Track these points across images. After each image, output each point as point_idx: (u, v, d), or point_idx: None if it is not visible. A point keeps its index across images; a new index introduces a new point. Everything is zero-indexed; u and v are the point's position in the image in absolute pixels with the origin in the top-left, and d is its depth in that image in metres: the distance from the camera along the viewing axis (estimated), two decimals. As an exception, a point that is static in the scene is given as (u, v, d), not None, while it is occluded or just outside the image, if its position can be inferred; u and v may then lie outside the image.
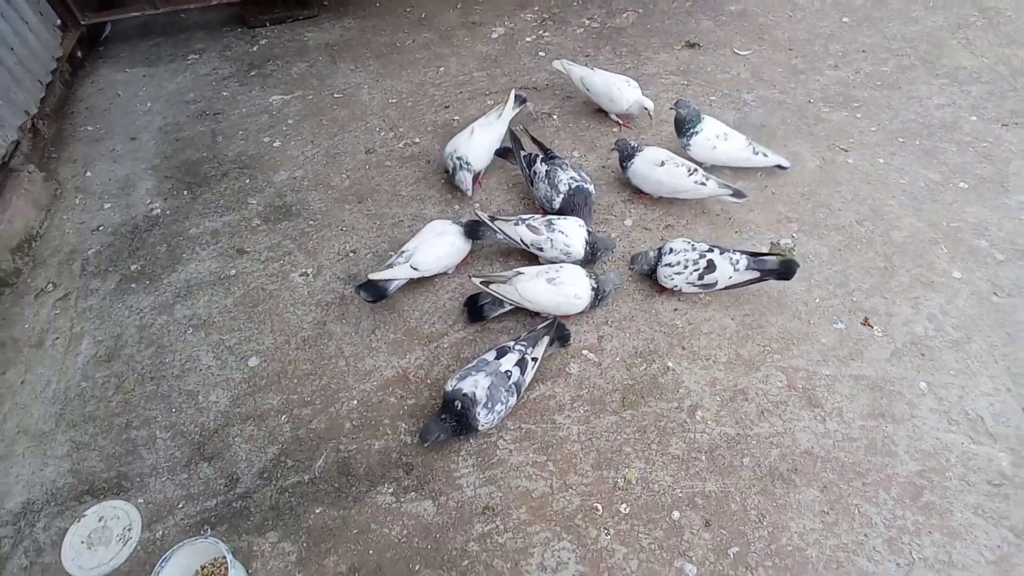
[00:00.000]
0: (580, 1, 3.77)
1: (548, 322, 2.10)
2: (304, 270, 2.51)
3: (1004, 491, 1.84)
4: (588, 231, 2.33)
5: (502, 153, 2.74)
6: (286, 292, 2.44)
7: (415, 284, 2.38)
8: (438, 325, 2.29)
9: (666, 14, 3.63)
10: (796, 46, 3.36)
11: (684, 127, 2.56)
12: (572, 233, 2.29)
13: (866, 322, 2.23)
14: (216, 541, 1.68)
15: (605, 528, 1.80)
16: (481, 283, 2.15)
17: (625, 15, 3.66)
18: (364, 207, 2.72)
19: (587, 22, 3.63)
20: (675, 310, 2.30)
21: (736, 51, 3.35)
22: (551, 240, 2.27)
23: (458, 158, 2.57)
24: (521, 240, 2.29)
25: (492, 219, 2.32)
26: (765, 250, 2.44)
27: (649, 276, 2.32)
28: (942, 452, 1.92)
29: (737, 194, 2.43)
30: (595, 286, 2.15)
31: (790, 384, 2.09)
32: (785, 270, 2.14)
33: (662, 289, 2.32)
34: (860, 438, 1.96)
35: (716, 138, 2.55)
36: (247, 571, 1.76)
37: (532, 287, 2.11)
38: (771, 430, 1.99)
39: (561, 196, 2.40)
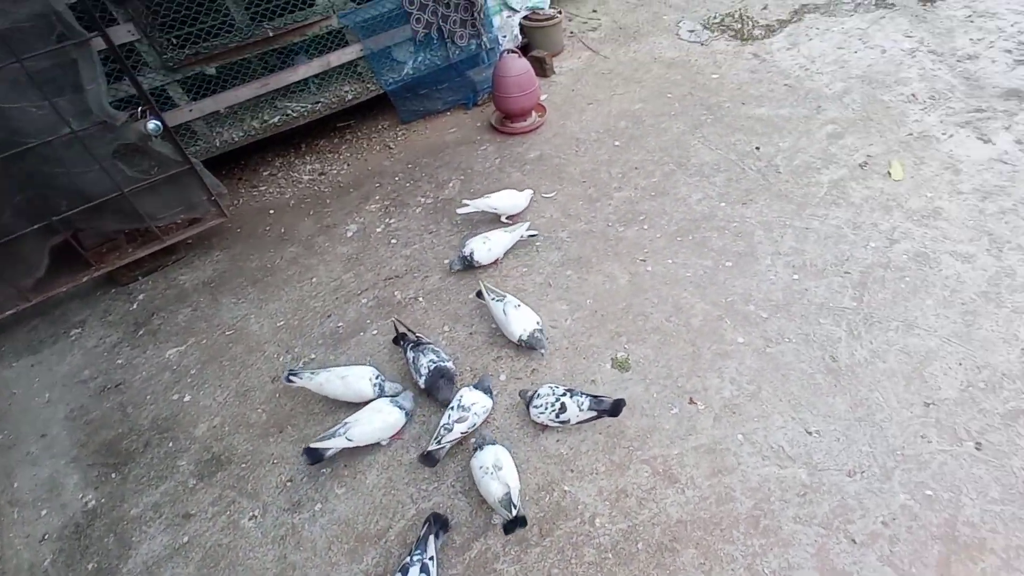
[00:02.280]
0: (413, 181, 4.57)
1: (426, 521, 2.67)
2: (251, 513, 2.93)
3: (808, 497, 2.66)
4: (475, 387, 3.04)
5: (396, 341, 3.39)
6: (241, 540, 2.85)
7: (352, 491, 2.90)
8: (381, 522, 2.81)
9: (483, 175, 4.50)
10: (587, 177, 4.33)
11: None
12: (479, 399, 2.98)
13: (691, 401, 3.05)
14: None
15: (556, 643, 2.40)
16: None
17: (451, 184, 4.49)
18: (287, 434, 3.21)
19: (422, 200, 4.41)
20: (558, 441, 2.99)
21: (544, 195, 4.26)
22: (476, 415, 2.93)
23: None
24: (462, 433, 2.90)
25: (439, 441, 2.89)
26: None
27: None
28: (764, 485, 2.72)
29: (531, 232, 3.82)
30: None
31: (654, 471, 2.83)
32: (614, 409, 2.87)
33: (543, 426, 3.02)
34: (710, 495, 2.72)
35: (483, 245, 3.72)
36: None
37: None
38: (651, 514, 2.70)
39: (423, 377, 3.10)
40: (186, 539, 2.89)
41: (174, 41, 3.93)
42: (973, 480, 2.65)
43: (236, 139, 4.35)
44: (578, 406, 2.89)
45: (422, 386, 3.14)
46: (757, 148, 4.32)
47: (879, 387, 2.98)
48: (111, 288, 4.19)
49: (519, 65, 4.47)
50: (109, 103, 3.50)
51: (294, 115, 4.46)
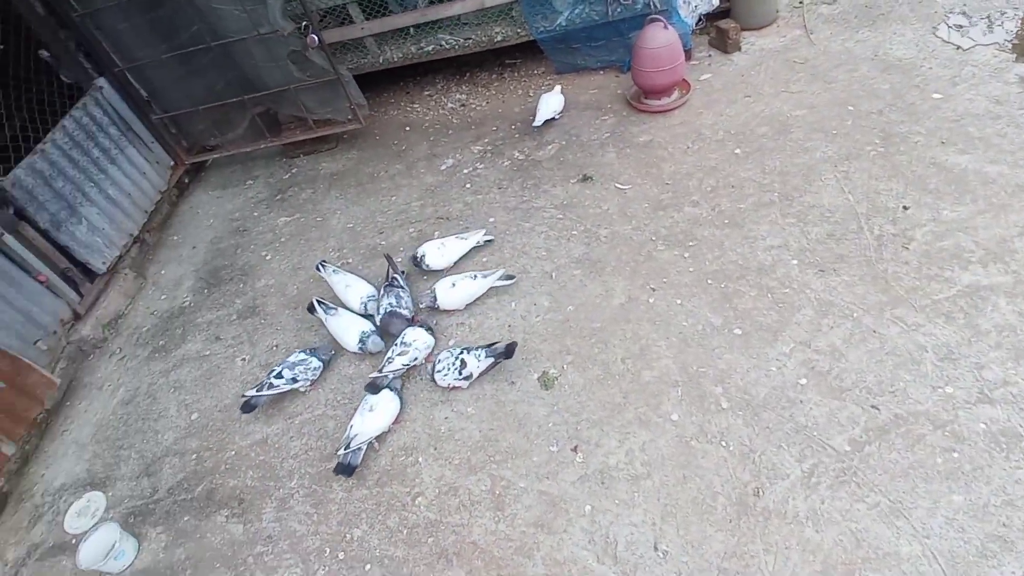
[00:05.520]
0: (521, 133, 4.70)
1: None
2: (244, 356, 3.88)
3: (595, 608, 2.42)
4: (419, 326, 3.43)
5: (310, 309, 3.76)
6: (228, 370, 3.82)
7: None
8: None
9: (582, 146, 4.38)
10: (674, 180, 3.88)
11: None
12: (421, 336, 3.36)
13: (575, 449, 2.87)
14: (114, 524, 3.09)
15: (320, 569, 2.81)
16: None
17: (550, 147, 4.49)
18: (296, 313, 4.01)
19: (517, 155, 4.54)
20: (446, 419, 3.17)
21: (618, 185, 3.99)
22: (417, 350, 3.32)
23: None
24: (404, 365, 3.30)
25: (380, 370, 3.31)
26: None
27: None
28: (569, 563, 2.53)
29: (507, 277, 3.60)
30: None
31: (491, 489, 2.84)
32: (507, 351, 3.10)
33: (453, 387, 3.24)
34: (516, 540, 2.65)
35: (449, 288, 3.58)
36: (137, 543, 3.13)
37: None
38: (459, 521, 2.78)
39: (379, 316, 3.51)
40: (207, 353, 3.99)
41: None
42: None
43: (396, 59, 5.02)
44: (476, 358, 3.13)
45: (377, 323, 3.57)
46: (905, 208, 3.27)
47: (780, 554, 2.37)
48: (283, 159, 5.46)
49: (660, 37, 4.05)
50: (289, 15, 4.44)
51: (446, 47, 4.90)
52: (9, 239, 3.87)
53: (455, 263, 3.84)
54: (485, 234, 3.91)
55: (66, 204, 4.26)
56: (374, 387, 3.24)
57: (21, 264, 3.95)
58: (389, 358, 3.33)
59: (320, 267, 3.88)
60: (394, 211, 4.49)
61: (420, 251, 3.81)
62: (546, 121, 4.52)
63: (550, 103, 4.52)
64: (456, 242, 3.86)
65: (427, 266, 3.80)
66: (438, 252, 3.81)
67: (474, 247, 3.89)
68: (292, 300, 4.12)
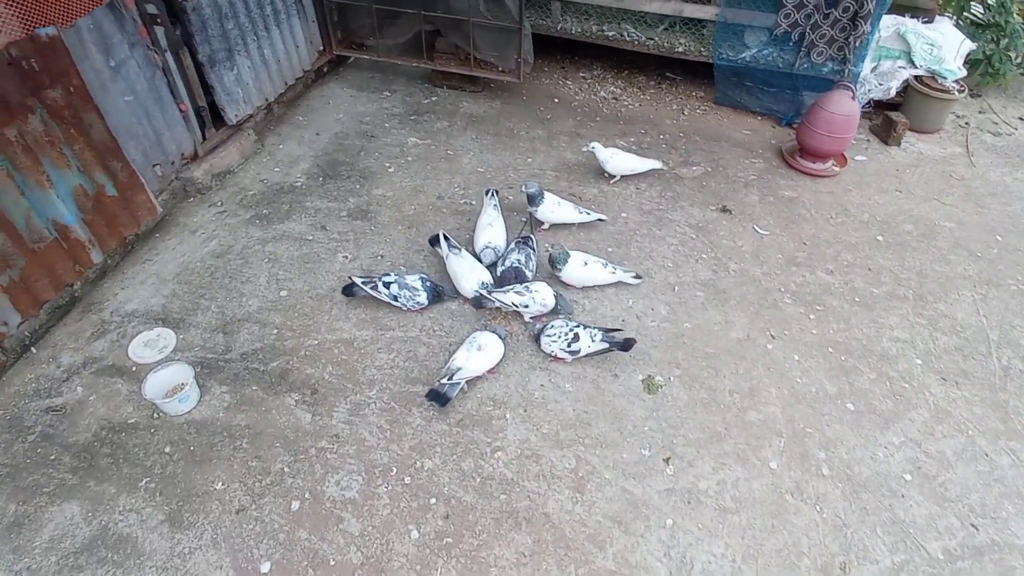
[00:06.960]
0: (671, 147, 4.62)
1: None
2: (347, 254, 3.78)
3: (662, 617, 2.35)
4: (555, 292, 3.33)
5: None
6: (328, 262, 3.72)
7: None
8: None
9: (727, 179, 4.31)
10: (812, 243, 3.83)
11: (533, 201, 3.74)
12: (544, 291, 3.27)
13: (667, 460, 2.80)
14: (189, 367, 2.99)
15: (382, 486, 2.72)
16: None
17: (694, 168, 4.42)
18: (409, 232, 3.92)
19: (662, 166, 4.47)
20: (541, 386, 3.08)
21: (756, 228, 3.93)
22: (532, 301, 3.24)
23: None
24: (512, 304, 3.24)
25: (490, 292, 3.28)
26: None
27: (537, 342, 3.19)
28: (640, 569, 2.46)
29: (635, 276, 3.51)
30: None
31: (575, 469, 2.77)
32: (626, 344, 3.04)
33: (556, 358, 3.15)
34: (591, 527, 2.58)
35: (555, 205, 3.77)
36: (200, 395, 3.04)
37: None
38: (535, 489, 2.70)
39: (503, 268, 3.44)
40: (310, 238, 3.89)
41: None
42: None
43: (573, 32, 4.95)
44: (591, 337, 3.05)
45: (498, 272, 3.48)
46: (1037, 352, 3.23)
47: (859, 631, 2.31)
48: (426, 84, 5.37)
49: (845, 105, 3.99)
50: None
51: (626, 39, 4.83)
52: (170, 59, 3.77)
53: (555, 224, 3.90)
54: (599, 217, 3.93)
55: (227, 47, 4.14)
56: (477, 302, 3.29)
57: (171, 87, 3.84)
58: (505, 290, 3.27)
59: (490, 193, 3.83)
60: (527, 171, 4.41)
61: (541, 194, 3.73)
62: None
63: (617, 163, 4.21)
64: (572, 211, 3.82)
65: (536, 210, 3.76)
66: (550, 206, 3.76)
67: (584, 222, 3.88)
68: (407, 218, 4.03)
